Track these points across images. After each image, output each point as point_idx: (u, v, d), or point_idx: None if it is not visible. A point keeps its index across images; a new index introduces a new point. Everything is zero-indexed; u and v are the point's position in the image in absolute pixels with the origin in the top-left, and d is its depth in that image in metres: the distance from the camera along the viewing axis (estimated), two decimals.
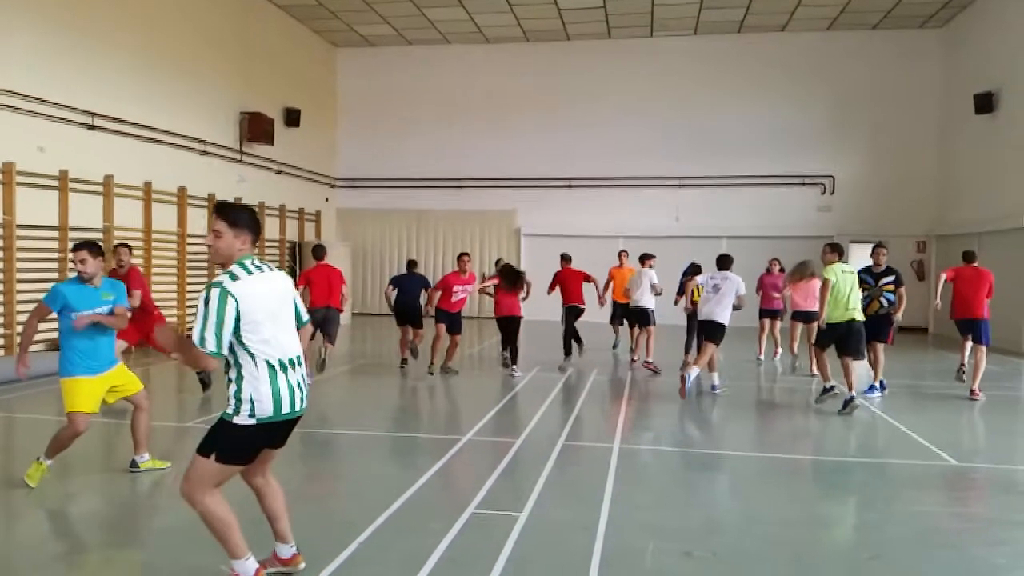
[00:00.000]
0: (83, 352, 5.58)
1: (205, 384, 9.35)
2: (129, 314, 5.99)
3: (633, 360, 12.18)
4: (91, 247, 5.66)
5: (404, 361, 11.99)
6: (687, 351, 12.15)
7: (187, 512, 3.79)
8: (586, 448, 7.25)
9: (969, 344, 10.46)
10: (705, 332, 10.07)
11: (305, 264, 17.53)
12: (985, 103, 16.82)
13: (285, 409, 3.67)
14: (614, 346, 14.45)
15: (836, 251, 9.52)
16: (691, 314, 11.79)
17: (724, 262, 10.29)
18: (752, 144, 20.41)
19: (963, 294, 10.35)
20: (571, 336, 12.55)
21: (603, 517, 5.08)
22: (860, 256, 19.13)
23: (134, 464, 6.04)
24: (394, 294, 11.93)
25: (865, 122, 20.16)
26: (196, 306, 3.55)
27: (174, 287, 15.08)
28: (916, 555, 4.57)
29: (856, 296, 9.21)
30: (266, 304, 3.64)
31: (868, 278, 9.91)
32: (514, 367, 11.47)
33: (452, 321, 11.27)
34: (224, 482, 3.70)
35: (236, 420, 3.60)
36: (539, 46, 21.47)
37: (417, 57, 22.04)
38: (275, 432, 3.74)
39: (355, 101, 22.52)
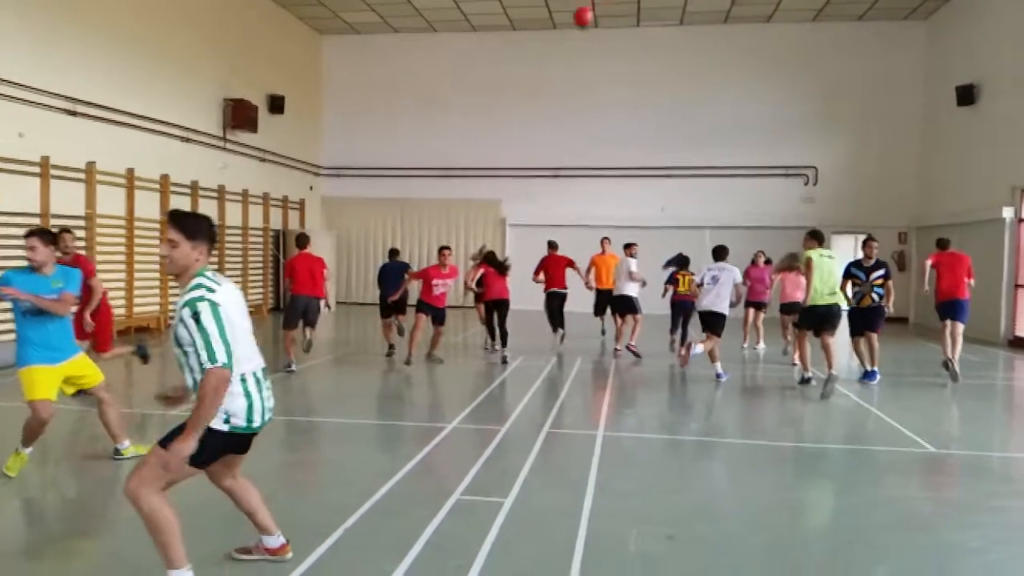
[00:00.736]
0: (35, 342, 5.49)
1: (145, 358, 8.50)
2: (76, 301, 5.73)
3: (617, 350, 12.29)
4: (42, 234, 5.57)
5: (391, 348, 12.06)
6: (672, 332, 12.36)
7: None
8: (571, 435, 7.31)
9: (948, 326, 10.75)
10: (706, 324, 10.24)
11: (289, 253, 17.46)
12: (967, 95, 16.97)
13: (257, 423, 3.67)
14: (603, 332, 14.52)
15: (815, 238, 9.78)
16: (675, 302, 12.00)
17: (720, 253, 10.48)
18: (737, 135, 20.50)
19: (946, 278, 10.76)
20: (557, 317, 12.85)
21: (587, 503, 5.13)
22: (842, 247, 19.39)
23: (117, 452, 6.03)
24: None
25: (849, 113, 20.29)
26: (177, 313, 3.45)
27: (156, 275, 14.99)
28: (894, 539, 4.65)
29: (836, 281, 9.44)
30: (238, 316, 3.62)
31: (859, 272, 10.08)
32: (505, 350, 11.57)
33: (435, 313, 11.21)
34: (173, 485, 3.58)
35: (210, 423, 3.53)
36: (525, 35, 21.43)
37: (403, 45, 21.95)
38: (244, 441, 3.73)
39: (340, 89, 22.41)
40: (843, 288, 9.99)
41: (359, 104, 22.20)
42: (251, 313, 13.38)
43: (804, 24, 20.29)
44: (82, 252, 9.04)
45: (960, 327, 10.65)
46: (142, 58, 14.55)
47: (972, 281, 10.87)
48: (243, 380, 3.61)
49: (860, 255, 10.44)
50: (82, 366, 5.79)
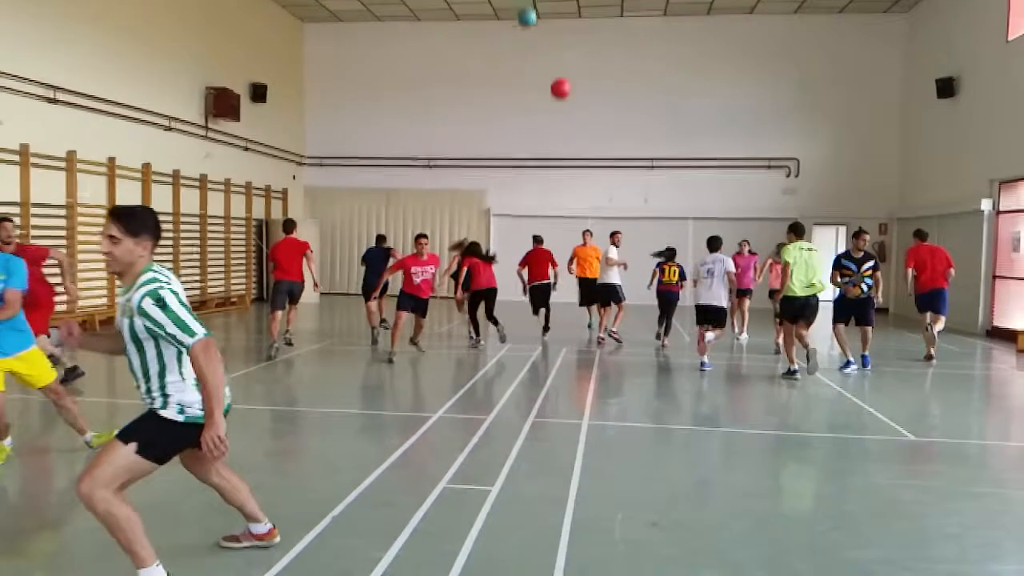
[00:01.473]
0: None
1: (77, 374, 8.61)
2: (22, 296, 5.47)
3: (600, 338, 12.49)
4: None
5: (375, 331, 12.36)
6: (660, 324, 12.57)
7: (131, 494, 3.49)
8: (556, 424, 7.35)
9: (928, 316, 11.27)
10: (708, 319, 10.40)
11: (274, 241, 17.38)
12: (947, 88, 17.13)
13: None
14: (589, 325, 14.60)
15: (792, 231, 10.06)
16: (660, 292, 12.26)
17: (714, 244, 10.67)
18: (720, 126, 20.60)
19: (926, 271, 11.24)
20: (541, 306, 13.14)
21: (573, 490, 5.18)
22: (824, 238, 19.60)
23: (88, 444, 5.91)
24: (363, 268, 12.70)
25: (830, 105, 20.43)
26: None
27: None
28: (874, 525, 4.72)
29: (815, 274, 9.67)
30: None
31: (850, 264, 10.34)
32: (499, 327, 12.03)
33: (415, 304, 10.91)
34: (129, 484, 3.44)
35: (163, 413, 3.44)
36: (509, 24, 21.24)
37: (386, 33, 21.84)
38: (197, 434, 3.47)
39: (323, 78, 22.26)
40: (833, 280, 10.31)
41: (342, 93, 22.06)
42: (234, 303, 13.56)
43: (786, 16, 20.38)
44: (29, 241, 8.85)
45: (942, 319, 11.21)
46: (123, 45, 14.39)
47: (952, 270, 11.30)
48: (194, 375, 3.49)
49: (841, 246, 10.69)
50: (30, 364, 5.59)
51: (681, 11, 20.39)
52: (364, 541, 4.26)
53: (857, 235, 10.45)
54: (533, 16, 11.58)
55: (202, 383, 3.35)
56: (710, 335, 10.34)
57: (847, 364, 10.28)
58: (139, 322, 3.34)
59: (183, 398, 3.46)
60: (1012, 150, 14.62)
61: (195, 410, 3.47)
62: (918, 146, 19.28)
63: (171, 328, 3.30)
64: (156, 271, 3.44)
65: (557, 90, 11.44)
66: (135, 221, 3.44)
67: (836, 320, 10.54)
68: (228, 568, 3.92)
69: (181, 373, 3.46)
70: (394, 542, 4.21)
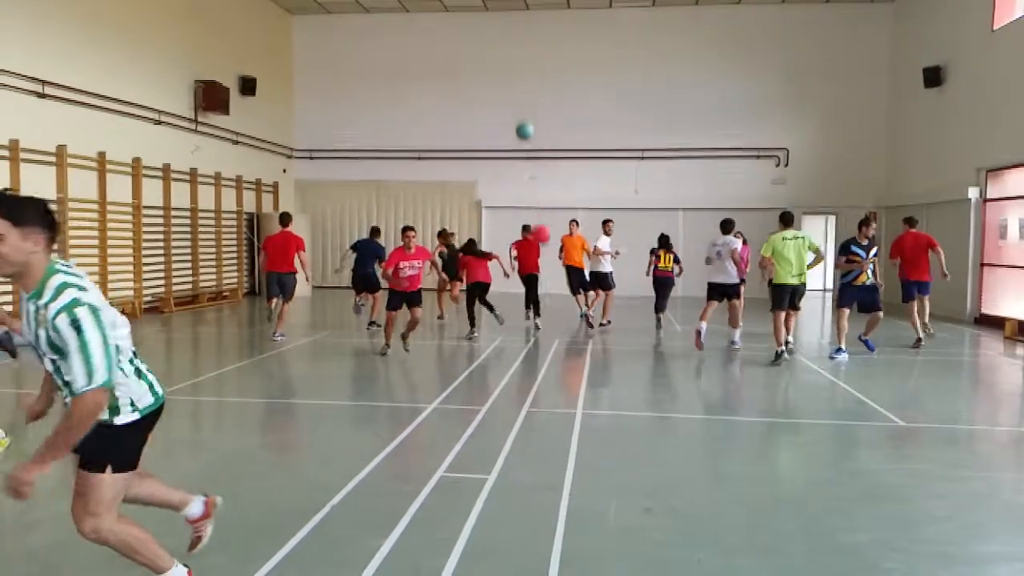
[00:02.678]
0: None
1: (13, 353, 7.85)
2: None
3: (590, 316, 13.25)
4: None
5: (372, 323, 12.89)
6: (656, 312, 12.91)
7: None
8: (550, 413, 7.42)
9: (915, 305, 11.83)
10: (719, 295, 10.96)
11: (266, 234, 17.37)
12: (933, 77, 17.22)
13: (159, 390, 3.31)
14: (581, 315, 14.66)
15: (781, 220, 10.39)
16: (655, 276, 12.81)
17: (727, 227, 11.15)
18: (709, 116, 20.64)
19: (910, 259, 11.81)
20: (532, 300, 13.47)
21: (568, 478, 5.24)
22: (813, 228, 19.71)
23: None
24: (352, 256, 13.17)
25: (818, 95, 20.48)
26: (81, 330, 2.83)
27: (130, 259, 14.84)
28: (865, 509, 4.81)
29: (803, 261, 9.99)
30: (109, 308, 3.07)
31: (859, 250, 10.63)
32: (495, 312, 12.61)
33: (408, 298, 10.57)
34: (120, 499, 3.24)
35: (118, 421, 3.12)
36: (498, 15, 21.33)
37: (375, 25, 21.76)
38: (154, 420, 3.30)
39: (312, 70, 22.17)
40: (838, 264, 10.81)
41: (331, 85, 22.00)
42: (225, 297, 13.60)
43: (774, 6, 20.42)
44: None
45: (926, 299, 11.95)
46: (112, 39, 14.31)
47: (941, 250, 11.68)
48: (131, 361, 3.21)
49: (831, 235, 11.02)
50: None
51: (669, 1, 20.40)
52: (363, 530, 4.31)
53: (866, 223, 10.71)
54: (530, 129, 12.79)
55: (63, 429, 2.90)
56: (736, 333, 11.13)
57: (838, 351, 10.38)
58: (53, 334, 2.89)
59: (131, 391, 3.16)
60: (998, 138, 14.74)
61: (147, 398, 3.22)
62: (905, 135, 19.39)
63: (75, 359, 2.84)
64: (64, 271, 2.96)
65: (539, 237, 13.22)
66: (15, 208, 2.89)
67: (841, 304, 10.74)
68: (225, 562, 3.92)
69: (121, 367, 3.10)
70: (392, 531, 4.27)
